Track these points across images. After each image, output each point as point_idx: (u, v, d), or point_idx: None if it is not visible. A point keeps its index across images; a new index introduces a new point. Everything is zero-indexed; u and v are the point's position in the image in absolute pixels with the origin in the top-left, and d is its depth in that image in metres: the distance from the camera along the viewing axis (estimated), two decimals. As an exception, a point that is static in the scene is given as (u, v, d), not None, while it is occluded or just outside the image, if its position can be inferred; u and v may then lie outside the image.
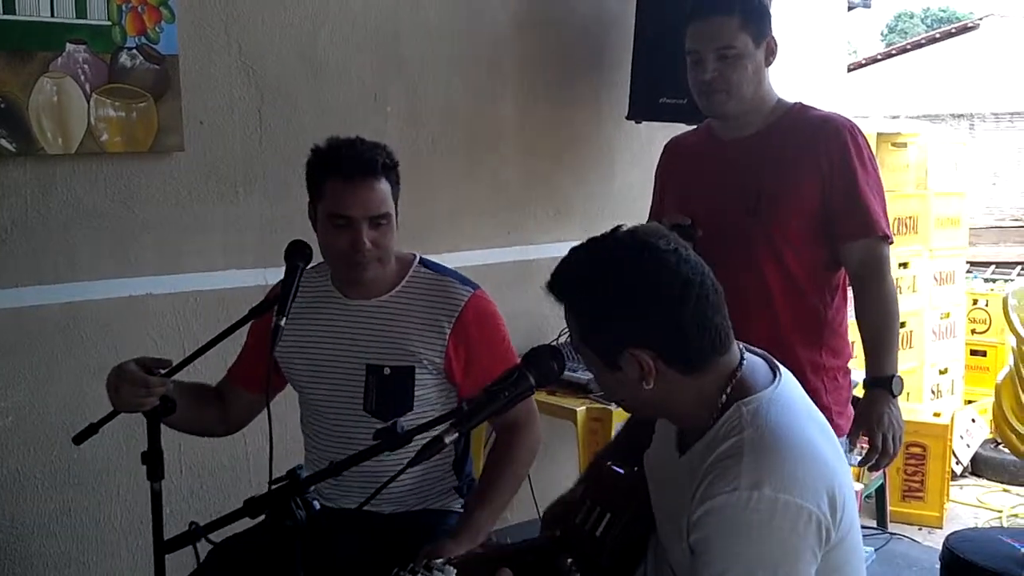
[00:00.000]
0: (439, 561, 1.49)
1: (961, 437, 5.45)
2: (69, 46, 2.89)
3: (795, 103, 2.61)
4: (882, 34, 36.42)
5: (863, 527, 4.03)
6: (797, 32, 7.21)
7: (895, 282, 5.35)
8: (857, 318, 2.57)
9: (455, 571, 1.46)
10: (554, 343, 3.76)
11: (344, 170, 2.19)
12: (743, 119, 2.56)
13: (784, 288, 2.52)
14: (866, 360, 2.54)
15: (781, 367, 1.67)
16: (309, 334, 2.34)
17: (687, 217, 2.60)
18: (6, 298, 2.92)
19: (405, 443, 1.58)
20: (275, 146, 3.34)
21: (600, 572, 1.54)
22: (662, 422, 1.78)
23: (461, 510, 2.31)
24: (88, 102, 2.94)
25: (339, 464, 1.65)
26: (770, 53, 2.54)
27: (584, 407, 3.47)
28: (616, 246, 1.58)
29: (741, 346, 1.66)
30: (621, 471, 1.72)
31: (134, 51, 3.00)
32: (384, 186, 2.22)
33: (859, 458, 2.52)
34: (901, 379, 2.53)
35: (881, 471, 4.46)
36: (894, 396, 2.48)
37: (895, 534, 4.30)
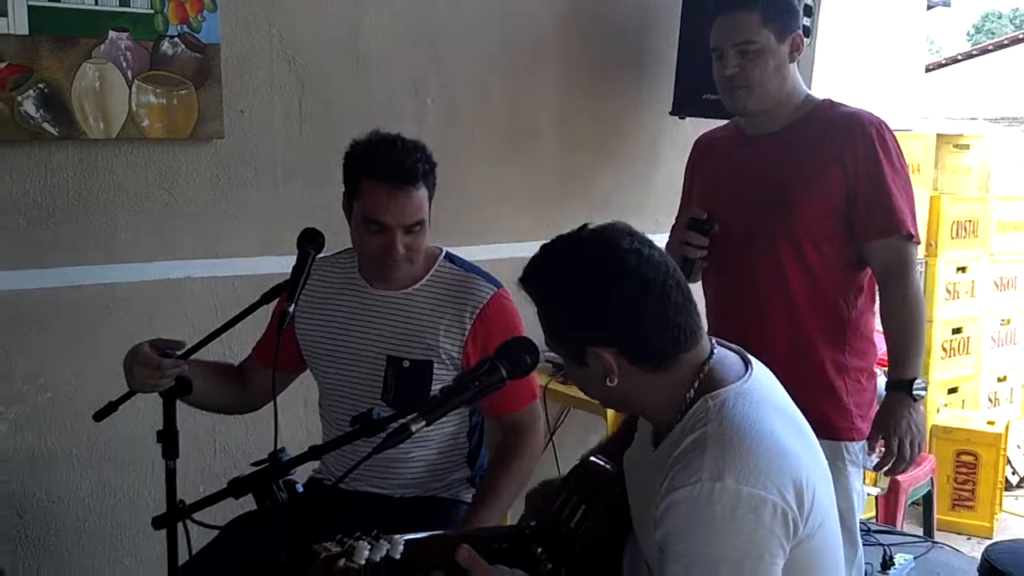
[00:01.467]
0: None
1: (1019, 447, 5.33)
2: (112, 33, 2.96)
3: (824, 99, 2.59)
4: (968, 34, 35.58)
5: (904, 534, 3.97)
6: (874, 31, 7.10)
7: (951, 286, 5.27)
8: (881, 319, 2.52)
9: (403, 542, 1.47)
10: (526, 336, 3.76)
11: (383, 174, 2.18)
12: (769, 115, 2.55)
13: (805, 285, 2.50)
14: (888, 362, 2.49)
15: (755, 362, 1.66)
16: (332, 319, 2.38)
17: (703, 212, 2.59)
18: (48, 277, 3.00)
19: (380, 430, 1.60)
20: (315, 135, 3.38)
21: (571, 563, 1.54)
22: (642, 424, 1.77)
23: (471, 501, 2.33)
24: (130, 88, 3.01)
25: (318, 448, 1.68)
26: (795, 48, 2.51)
27: (615, 401, 3.45)
28: (578, 245, 1.59)
29: (713, 340, 1.65)
30: (604, 465, 1.72)
31: (176, 39, 3.06)
32: (422, 192, 2.22)
33: (876, 461, 2.48)
34: (925, 382, 2.48)
35: (928, 476, 4.40)
36: (915, 400, 2.43)
37: (938, 543, 4.21)
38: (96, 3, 2.93)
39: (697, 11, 3.77)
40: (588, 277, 1.55)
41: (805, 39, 2.57)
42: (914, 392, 2.42)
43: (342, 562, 1.44)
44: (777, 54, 2.48)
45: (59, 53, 2.88)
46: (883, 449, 2.45)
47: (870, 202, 2.45)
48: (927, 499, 4.44)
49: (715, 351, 1.63)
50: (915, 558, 3.95)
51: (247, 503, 1.77)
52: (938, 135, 5.37)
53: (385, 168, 2.18)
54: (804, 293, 2.50)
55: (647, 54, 4.07)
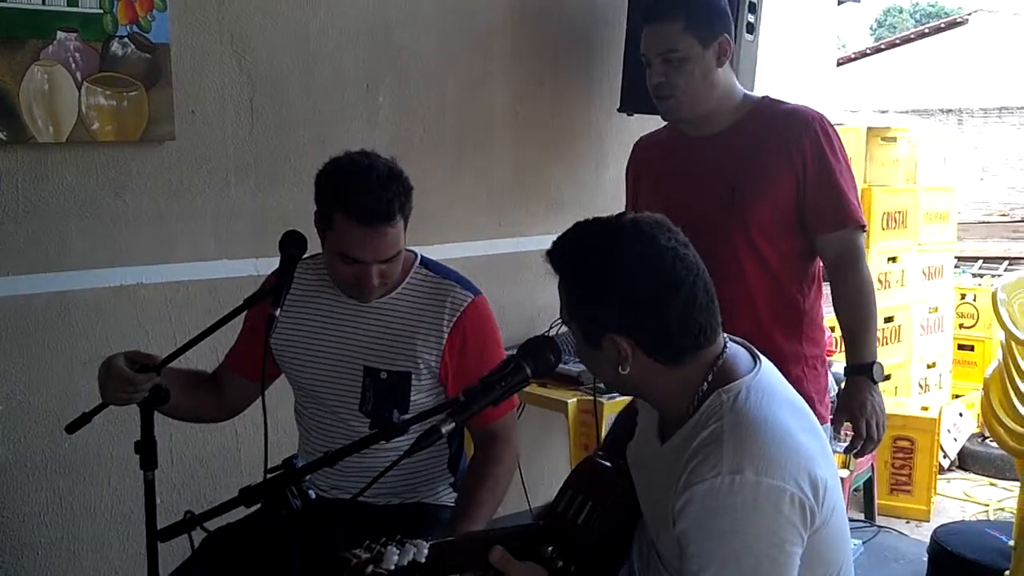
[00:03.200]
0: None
1: (948, 431, 5.48)
2: (60, 34, 2.88)
3: (762, 97, 2.62)
4: (871, 29, 36.51)
5: (853, 519, 4.06)
6: (787, 27, 7.23)
7: (883, 276, 5.39)
8: (835, 308, 2.58)
9: (427, 546, 1.47)
10: (547, 334, 3.78)
11: (358, 214, 2.08)
12: (707, 119, 2.56)
13: (763, 280, 2.54)
14: (846, 349, 2.57)
15: (761, 356, 1.68)
16: (305, 326, 2.33)
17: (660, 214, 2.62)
18: (-2, 286, 2.91)
19: (401, 433, 1.59)
20: (267, 136, 3.33)
21: (581, 559, 1.55)
22: (644, 415, 1.79)
23: (454, 504, 2.31)
24: (79, 91, 2.93)
25: (334, 454, 1.65)
26: (723, 53, 2.51)
27: (575, 399, 3.47)
28: (617, 232, 1.59)
29: (724, 336, 1.67)
30: (606, 463, 1.73)
31: (125, 40, 2.99)
32: (398, 226, 2.13)
33: (844, 445, 2.54)
34: (881, 365, 2.55)
35: (869, 463, 4.51)
36: (875, 382, 2.50)
37: (883, 527, 4.32)
38: (43, 3, 2.84)
39: (643, 7, 3.81)
40: (621, 267, 1.56)
41: (734, 42, 2.59)
42: (874, 374, 2.49)
43: (370, 568, 1.43)
44: (702, 60, 2.48)
45: (6, 55, 2.80)
46: (850, 433, 2.50)
47: (820, 197, 2.48)
48: (867, 485, 4.54)
49: (728, 345, 1.65)
50: (863, 543, 4.05)
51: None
52: (867, 128, 5.49)
53: (360, 207, 2.07)
54: (762, 287, 2.54)
55: (596, 51, 4.10)
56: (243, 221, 3.30)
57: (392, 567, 1.44)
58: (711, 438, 1.52)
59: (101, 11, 2.94)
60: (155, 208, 3.14)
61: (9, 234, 2.90)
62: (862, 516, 4.49)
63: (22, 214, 2.92)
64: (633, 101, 3.87)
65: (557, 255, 1.63)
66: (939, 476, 5.18)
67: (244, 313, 2.27)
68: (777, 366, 2.46)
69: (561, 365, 3.48)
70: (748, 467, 1.47)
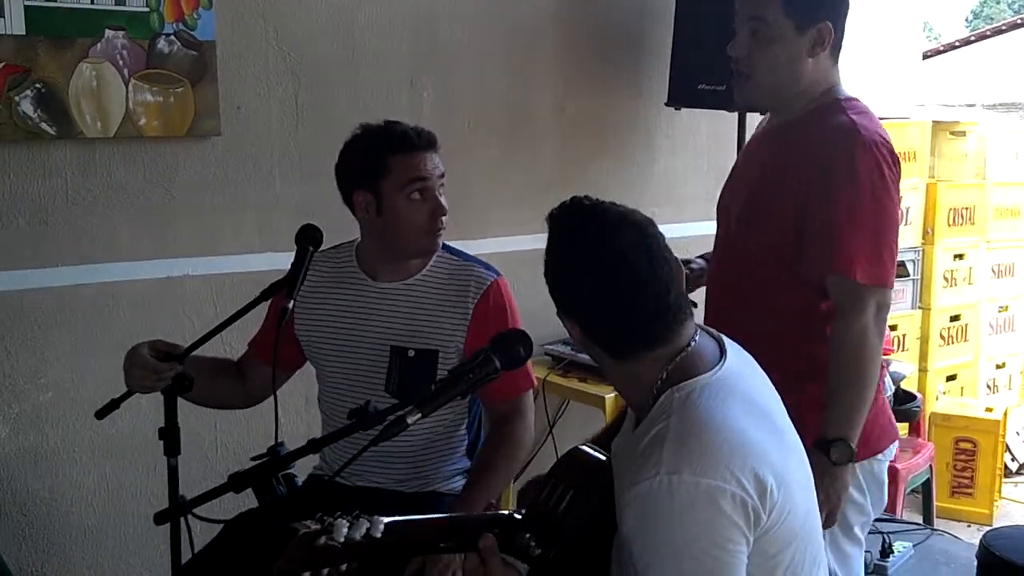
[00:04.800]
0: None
1: (1018, 433, 5.34)
2: (108, 32, 2.96)
3: (835, 99, 2.22)
4: (967, 20, 35.53)
5: (902, 521, 3.97)
6: (871, 17, 7.08)
7: (948, 273, 5.24)
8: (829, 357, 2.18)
9: (384, 522, 1.48)
10: (521, 328, 3.76)
11: (412, 143, 2.28)
12: (786, 107, 2.26)
13: (767, 299, 2.26)
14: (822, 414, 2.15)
15: (731, 351, 1.66)
16: (332, 312, 2.39)
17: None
18: (47, 277, 3.01)
19: (376, 423, 1.61)
20: (311, 131, 3.38)
21: (560, 549, 1.55)
22: (630, 411, 1.78)
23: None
24: (126, 87, 3.01)
25: (316, 442, 1.69)
26: (819, 43, 2.17)
27: (613, 394, 3.46)
28: (597, 217, 1.60)
29: (696, 327, 1.65)
30: (592, 453, 1.73)
31: (172, 37, 3.06)
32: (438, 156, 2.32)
33: None
34: (849, 447, 2.10)
35: (927, 464, 4.41)
36: (834, 464, 2.09)
37: (938, 530, 4.23)
38: (92, 2, 2.93)
39: (692, 2, 3.78)
40: (579, 253, 1.59)
41: (837, 31, 2.21)
42: (832, 455, 2.08)
43: (323, 539, 1.45)
44: (792, 45, 2.16)
45: (56, 53, 2.89)
46: None
47: (817, 232, 2.14)
48: (926, 486, 4.45)
49: (694, 341, 1.62)
50: (914, 546, 3.97)
51: (252, 498, 1.79)
52: (934, 122, 5.37)
53: (409, 138, 2.28)
54: (766, 310, 2.26)
55: (643, 44, 4.07)
56: (288, 214, 3.36)
57: (342, 539, 1.45)
58: (655, 438, 1.52)
59: (148, 9, 3.02)
60: (201, 201, 3.22)
61: (59, 226, 3.00)
62: (919, 518, 4.40)
63: (71, 207, 3.01)
64: (681, 95, 3.85)
65: (548, 219, 1.66)
66: (1006, 479, 5.05)
67: (270, 302, 2.34)
68: (802, 383, 2.20)
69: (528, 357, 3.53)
70: (686, 467, 1.45)
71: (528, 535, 1.51)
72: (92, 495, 3.16)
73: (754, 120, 3.89)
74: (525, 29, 3.82)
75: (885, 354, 4.89)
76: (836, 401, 2.12)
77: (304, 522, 1.49)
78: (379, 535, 1.47)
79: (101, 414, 2.30)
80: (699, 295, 2.28)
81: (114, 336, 3.10)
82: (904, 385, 4.54)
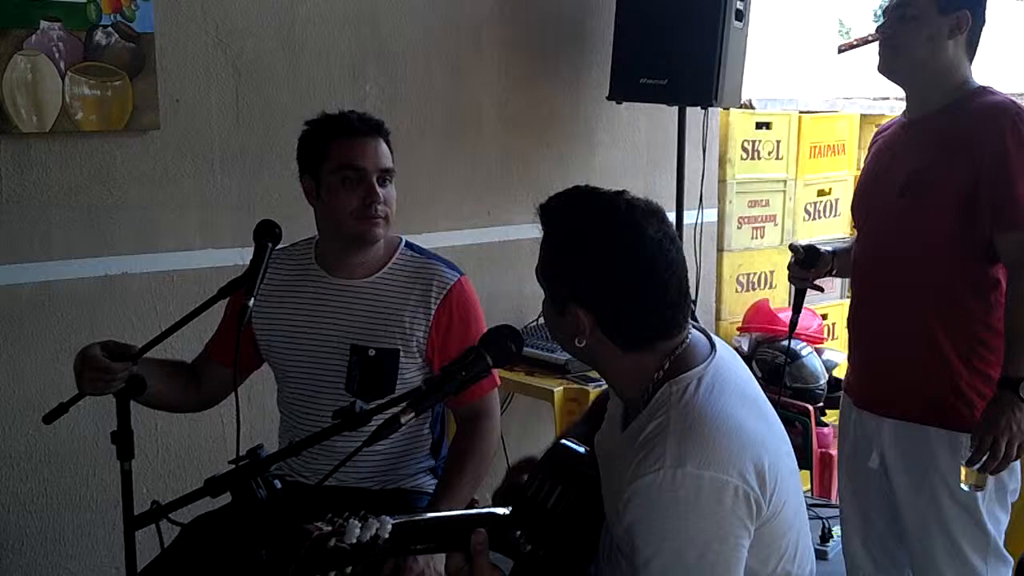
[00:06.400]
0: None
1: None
2: (43, 23, 2.87)
3: (979, 87, 2.46)
4: (875, 14, 36.35)
5: (840, 506, 4.02)
6: (786, 13, 7.21)
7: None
8: (1005, 313, 2.40)
9: (391, 523, 1.48)
10: (533, 324, 3.78)
11: (352, 128, 2.30)
12: (922, 97, 2.47)
13: (933, 279, 2.42)
14: (1004, 358, 2.37)
15: (719, 344, 1.68)
16: (290, 311, 2.35)
17: (801, 247, 2.70)
18: (-19, 277, 2.91)
19: (363, 423, 1.59)
20: (252, 125, 3.32)
21: (550, 544, 1.55)
22: (613, 402, 1.78)
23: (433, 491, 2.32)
24: (63, 80, 2.92)
25: (298, 443, 1.66)
26: (957, 27, 2.39)
27: (561, 387, 3.47)
28: (609, 209, 1.59)
29: (690, 323, 1.66)
30: (576, 448, 1.73)
31: (109, 29, 2.98)
32: (387, 147, 2.33)
33: (969, 456, 2.35)
34: None
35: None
36: (1022, 399, 2.29)
37: None
38: (26, -8, 2.84)
39: (632, -3, 3.81)
40: (599, 244, 1.56)
41: (975, 22, 2.43)
42: (1020, 391, 2.29)
43: (333, 542, 1.44)
44: (933, 24, 2.38)
45: (-12, 44, 2.79)
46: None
47: (995, 194, 2.32)
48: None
49: (690, 334, 1.64)
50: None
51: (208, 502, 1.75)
52: (861, 116, 5.48)
53: (352, 123, 2.30)
54: (931, 286, 2.42)
55: (585, 39, 4.08)
56: (229, 210, 3.30)
57: (354, 541, 1.44)
58: (657, 431, 1.52)
59: (85, 0, 2.93)
60: (140, 198, 3.13)
61: (-7, 224, 2.90)
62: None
63: (6, 204, 2.91)
64: (623, 89, 3.87)
65: (547, 211, 1.64)
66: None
67: (226, 302, 2.29)
68: (942, 367, 2.41)
69: (547, 354, 3.55)
70: (690, 460, 1.46)
71: (519, 532, 1.51)
72: (29, 501, 3.06)
73: (694, 114, 3.95)
74: (467, 23, 3.79)
75: (817, 343, 4.97)
76: (1017, 344, 2.32)
77: (315, 523, 1.46)
78: (387, 536, 1.46)
79: (49, 418, 2.23)
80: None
81: (52, 337, 3.02)
82: (836, 373, 4.62)
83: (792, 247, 2.74)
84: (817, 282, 2.79)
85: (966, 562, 2.41)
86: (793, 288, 2.87)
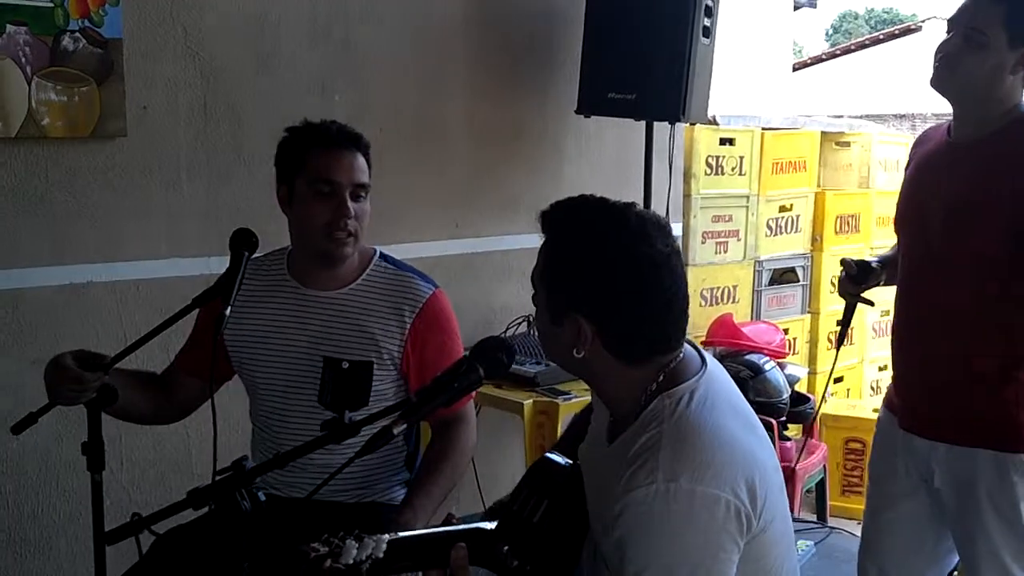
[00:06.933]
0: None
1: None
2: (9, 27, 2.82)
3: None
4: (827, 34, 36.93)
5: (803, 520, 4.07)
6: (744, 32, 7.29)
7: (835, 279, 5.41)
8: None
9: (386, 541, 1.47)
10: (502, 336, 3.77)
11: (330, 140, 2.26)
12: (973, 117, 2.41)
13: (979, 302, 2.38)
14: None
15: (709, 358, 1.68)
16: (262, 323, 2.33)
17: (854, 263, 2.67)
18: (-56, 284, 2.85)
19: (352, 434, 1.58)
20: (220, 133, 3.29)
21: (537, 559, 1.54)
22: (597, 414, 1.78)
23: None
24: (29, 85, 2.88)
25: (284, 455, 1.63)
26: (1021, 63, 2.32)
27: (531, 400, 3.47)
28: (620, 221, 1.59)
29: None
30: (562, 462, 1.72)
31: (77, 34, 2.94)
32: (364, 162, 2.30)
33: None
34: None
35: (821, 464, 4.55)
36: None
37: (835, 528, 4.35)
38: (-8, -5, 2.79)
39: (602, 11, 3.82)
40: (610, 255, 1.56)
41: None
42: None
43: (328, 563, 1.43)
44: (1000, 56, 2.30)
45: (-47, 48, 2.74)
46: None
47: None
48: (820, 486, 4.58)
49: (683, 348, 1.65)
50: (815, 543, 4.07)
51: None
52: (821, 133, 5.54)
53: (331, 134, 2.27)
54: (977, 311, 2.39)
55: (553, 52, 4.10)
56: (195, 219, 3.26)
57: (351, 561, 1.43)
58: (649, 444, 1.52)
59: (52, 5, 2.89)
60: (106, 205, 3.09)
61: (-45, 231, 2.85)
62: (814, 517, 4.52)
63: (-32, 210, 2.86)
64: (591, 103, 3.88)
65: (552, 218, 1.63)
66: (891, 477, 5.23)
67: (195, 312, 2.26)
68: (988, 391, 2.37)
69: (517, 367, 3.54)
70: (683, 475, 1.46)
71: (506, 548, 1.50)
72: (-12, 513, 3.00)
73: (661, 128, 3.98)
74: (436, 35, 3.80)
75: (780, 357, 5.01)
76: None
77: (312, 544, 1.45)
78: (382, 555, 1.45)
79: (18, 428, 2.18)
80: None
81: (15, 345, 2.97)
82: (797, 387, 4.67)
83: (844, 262, 2.70)
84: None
85: (1007, 571, 2.39)
86: (843, 302, 2.79)
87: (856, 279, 2.70)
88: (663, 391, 1.57)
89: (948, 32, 2.39)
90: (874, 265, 2.70)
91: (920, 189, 2.53)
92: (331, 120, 2.34)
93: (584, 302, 1.57)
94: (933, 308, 2.45)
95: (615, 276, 1.55)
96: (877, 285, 2.73)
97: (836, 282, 2.77)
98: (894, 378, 2.63)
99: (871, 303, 2.76)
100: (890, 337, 2.65)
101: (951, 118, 2.50)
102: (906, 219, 2.58)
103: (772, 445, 1.70)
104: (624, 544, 1.48)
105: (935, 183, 2.46)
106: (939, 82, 2.42)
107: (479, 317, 3.85)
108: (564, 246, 1.61)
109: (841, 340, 2.90)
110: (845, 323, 2.83)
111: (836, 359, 3.19)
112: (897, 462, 2.55)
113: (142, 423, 2.46)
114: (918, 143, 2.68)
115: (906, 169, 2.69)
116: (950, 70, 2.37)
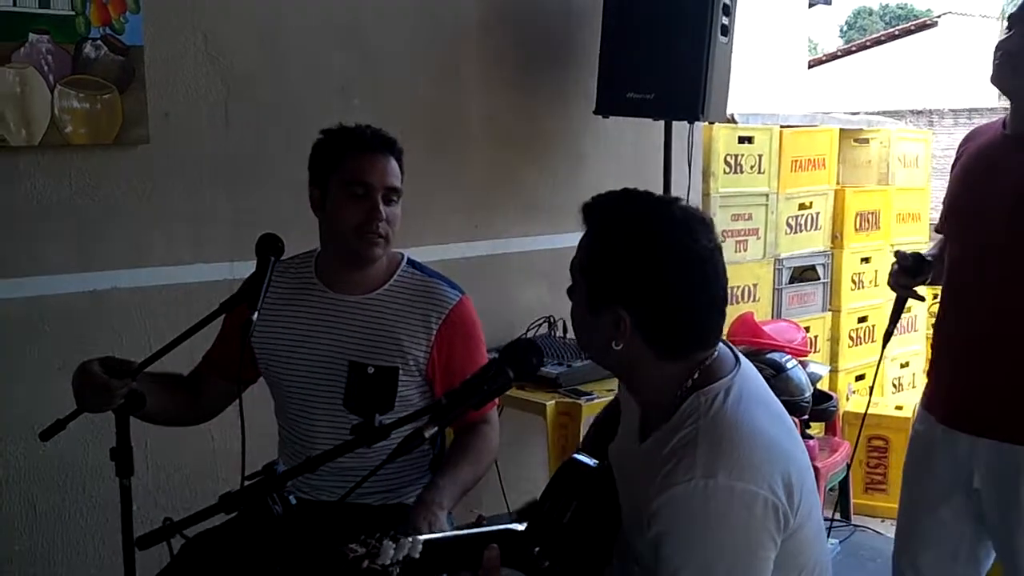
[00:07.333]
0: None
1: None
2: (32, 36, 2.84)
3: None
4: (841, 30, 36.79)
5: (827, 519, 4.07)
6: (759, 30, 7.27)
7: (856, 276, 5.42)
8: None
9: (422, 542, 1.48)
10: (531, 338, 3.77)
11: (364, 143, 2.30)
12: None
13: None
14: None
15: (742, 357, 1.68)
16: (289, 325, 2.33)
17: (909, 256, 2.63)
18: (-32, 292, 2.87)
19: (382, 438, 1.58)
20: (241, 138, 3.30)
21: (568, 559, 1.55)
22: (626, 413, 1.78)
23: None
24: (52, 93, 2.89)
25: (315, 459, 1.64)
26: None
27: (553, 401, 3.46)
28: (666, 214, 1.59)
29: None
30: (590, 462, 1.73)
31: (98, 42, 2.96)
32: (397, 167, 2.33)
33: None
34: None
35: (844, 462, 4.53)
36: None
37: (859, 526, 4.34)
38: (14, 4, 2.81)
39: (620, 10, 3.82)
40: (655, 247, 1.56)
41: None
42: None
43: (366, 564, 1.45)
44: None
45: (-23, 57, 2.76)
46: None
47: None
48: (843, 484, 4.57)
49: (718, 348, 1.64)
50: (840, 542, 4.07)
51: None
52: (840, 130, 5.52)
53: (366, 137, 2.31)
54: None
55: (571, 53, 4.10)
56: (218, 224, 3.28)
57: (388, 562, 1.44)
58: (686, 441, 1.52)
59: (73, 13, 2.91)
60: (129, 212, 3.11)
61: (-20, 239, 2.87)
62: (837, 515, 4.50)
63: (-6, 219, 2.88)
64: (609, 104, 3.88)
65: (596, 209, 1.63)
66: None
67: (224, 317, 2.27)
68: None
69: (540, 368, 3.54)
70: (722, 471, 1.47)
71: (537, 548, 1.50)
72: (18, 519, 3.02)
73: (679, 127, 3.97)
74: (454, 36, 3.81)
75: (801, 356, 5.00)
76: None
77: (350, 546, 1.45)
78: (417, 556, 1.46)
79: (46, 435, 2.20)
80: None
81: (40, 353, 2.99)
82: (819, 385, 4.65)
83: (899, 255, 2.67)
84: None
85: None
86: (894, 296, 2.75)
87: (911, 271, 2.65)
88: (698, 388, 1.58)
89: (1008, 30, 2.41)
90: (929, 259, 2.67)
91: (977, 182, 2.51)
92: (366, 124, 2.36)
93: (628, 294, 1.57)
94: (989, 300, 2.42)
95: (662, 269, 1.55)
96: (925, 282, 2.70)
97: (890, 273, 2.71)
98: (935, 375, 2.61)
99: (922, 298, 2.74)
100: (931, 333, 2.62)
101: (1005, 114, 2.50)
102: (963, 212, 2.55)
103: (804, 445, 1.69)
104: (661, 541, 1.48)
105: (991, 177, 2.45)
106: (999, 78, 2.44)
107: (500, 320, 3.85)
108: (610, 238, 1.60)
109: (889, 335, 2.84)
110: (895, 317, 2.80)
111: (883, 355, 3.13)
112: (934, 463, 2.53)
113: (170, 425, 2.47)
114: (968, 139, 2.66)
115: (953, 165, 2.66)
116: (1012, 69, 2.39)
